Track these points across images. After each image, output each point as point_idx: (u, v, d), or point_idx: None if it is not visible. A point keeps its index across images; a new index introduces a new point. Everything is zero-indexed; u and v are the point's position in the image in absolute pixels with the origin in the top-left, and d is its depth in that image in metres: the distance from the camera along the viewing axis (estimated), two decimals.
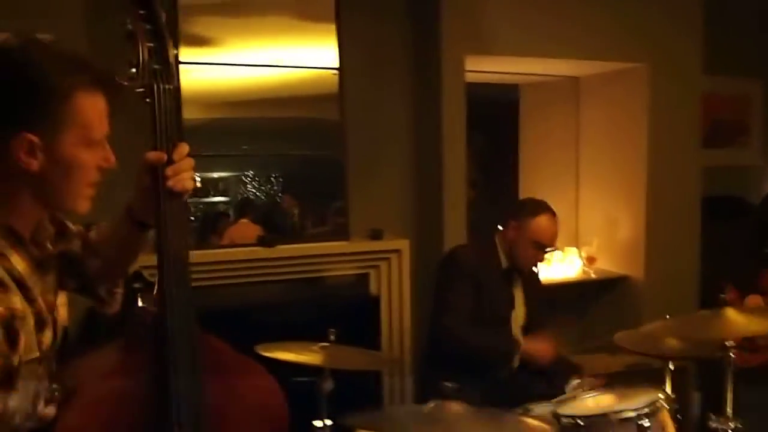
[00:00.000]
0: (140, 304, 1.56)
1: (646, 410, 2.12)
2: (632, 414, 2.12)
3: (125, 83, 1.38)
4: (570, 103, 4.52)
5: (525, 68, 4.22)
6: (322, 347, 2.18)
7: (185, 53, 3.28)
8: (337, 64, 3.52)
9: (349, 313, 3.48)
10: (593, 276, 4.16)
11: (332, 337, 2.20)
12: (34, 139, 1.19)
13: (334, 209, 3.63)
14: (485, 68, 4.01)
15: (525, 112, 4.84)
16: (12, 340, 1.16)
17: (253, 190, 3.60)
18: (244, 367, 1.54)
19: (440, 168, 3.57)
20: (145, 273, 2.87)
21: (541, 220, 2.95)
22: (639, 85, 4.07)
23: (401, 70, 3.74)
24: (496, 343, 2.89)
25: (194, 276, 3.22)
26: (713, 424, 2.29)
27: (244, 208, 3.59)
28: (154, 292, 1.46)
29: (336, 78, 3.53)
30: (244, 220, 3.57)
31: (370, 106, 3.68)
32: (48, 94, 1.19)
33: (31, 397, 1.27)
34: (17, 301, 1.19)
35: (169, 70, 1.39)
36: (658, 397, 2.21)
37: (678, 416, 2.28)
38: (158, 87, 1.37)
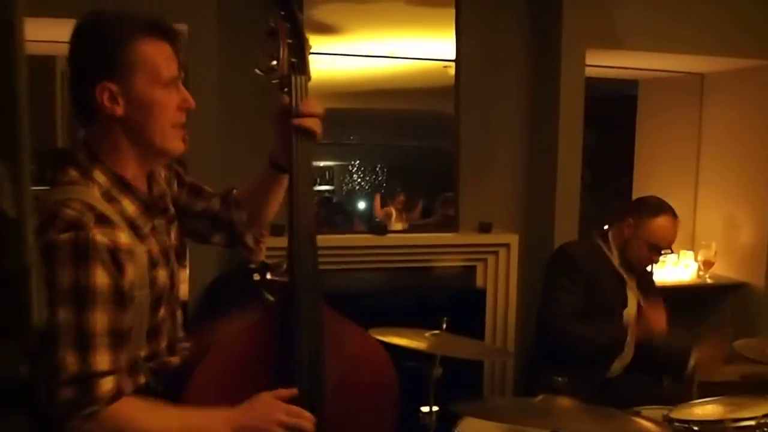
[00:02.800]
0: (269, 276, 1.69)
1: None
2: (752, 423, 2.04)
3: (262, 73, 1.56)
4: (693, 100, 4.36)
5: (648, 63, 4.09)
6: (434, 334, 2.22)
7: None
8: (454, 56, 3.55)
9: (454, 304, 3.51)
10: (709, 281, 4.00)
11: (444, 326, 2.23)
12: (112, 86, 1.38)
13: (445, 201, 3.66)
14: (606, 63, 3.93)
15: (644, 108, 4.70)
16: (118, 267, 1.35)
17: (359, 180, 3.67)
18: (358, 334, 1.68)
19: (554, 164, 3.54)
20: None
21: (661, 221, 2.85)
22: None
23: (519, 63, 3.71)
24: (604, 331, 2.79)
25: None
26: None
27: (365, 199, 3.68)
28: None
29: (451, 71, 3.56)
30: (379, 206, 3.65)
31: (485, 99, 3.67)
32: (113, 44, 1.38)
33: (145, 328, 1.45)
34: (123, 236, 1.37)
35: (304, 64, 1.56)
36: None
37: None
38: (295, 78, 1.55)
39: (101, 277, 1.32)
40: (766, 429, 2.03)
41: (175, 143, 1.47)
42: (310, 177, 1.59)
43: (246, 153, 3.16)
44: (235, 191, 1.77)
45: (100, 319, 1.32)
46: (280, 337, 1.52)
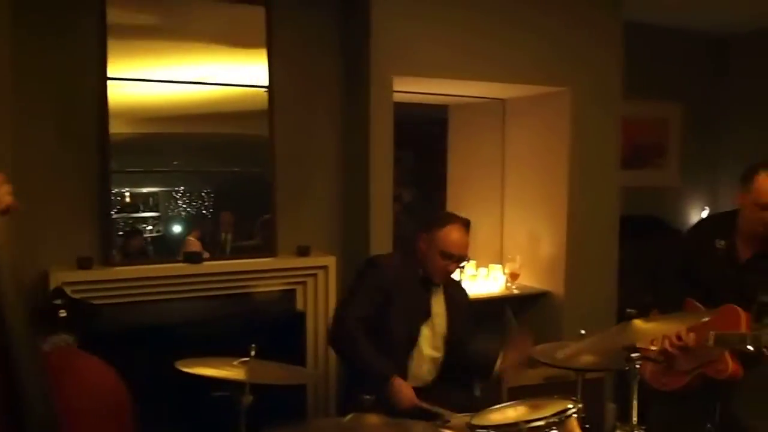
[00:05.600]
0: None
1: (555, 419, 2.21)
2: (541, 423, 2.20)
3: None
4: (496, 124, 4.66)
5: (452, 90, 4.33)
6: (243, 362, 2.20)
7: (114, 69, 3.28)
8: (266, 83, 3.57)
9: (275, 328, 3.52)
10: (516, 291, 4.28)
11: (252, 353, 2.23)
12: None
13: (262, 226, 3.66)
14: (414, 89, 4.11)
15: (453, 131, 4.96)
16: None
17: (184, 206, 3.60)
18: (84, 360, 1.66)
19: (367, 186, 3.63)
20: (67, 289, 2.87)
21: (449, 231, 2.98)
22: (562, 108, 4.22)
23: (330, 89, 3.80)
24: (376, 361, 2.81)
25: (119, 292, 3.26)
26: None
27: (190, 224, 3.61)
28: None
29: (266, 96, 3.59)
30: (190, 238, 3.59)
31: (299, 124, 3.73)
32: None
33: None
34: None
35: None
36: (567, 407, 2.31)
37: (586, 426, 2.39)
38: None
39: None
40: (554, 427, 2.20)
41: None
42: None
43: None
44: None
45: None
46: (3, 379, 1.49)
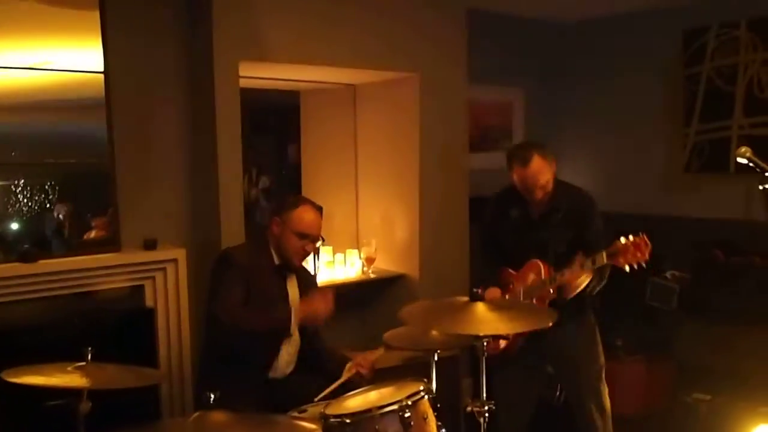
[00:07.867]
0: None
1: (407, 402, 2.25)
2: (395, 407, 2.24)
3: None
4: (348, 109, 4.66)
5: (302, 75, 4.28)
6: (78, 367, 2.07)
7: None
8: (101, 68, 3.37)
9: (123, 327, 3.35)
10: (372, 276, 4.32)
11: (89, 356, 2.10)
12: None
13: (104, 219, 3.46)
14: (262, 74, 4.02)
15: (306, 117, 4.91)
16: None
17: (25, 201, 3.33)
18: None
19: (216, 174, 3.51)
20: None
21: (302, 211, 2.99)
22: (410, 94, 4.28)
23: (175, 74, 3.63)
24: (268, 312, 2.87)
25: None
26: (470, 408, 2.49)
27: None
28: None
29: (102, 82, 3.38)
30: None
31: (142, 112, 3.54)
32: None
33: None
34: None
35: None
36: (419, 388, 2.35)
37: (438, 405, 2.44)
38: None
39: None
40: (406, 410, 2.23)
41: None
42: None
43: None
44: None
45: None
46: None
